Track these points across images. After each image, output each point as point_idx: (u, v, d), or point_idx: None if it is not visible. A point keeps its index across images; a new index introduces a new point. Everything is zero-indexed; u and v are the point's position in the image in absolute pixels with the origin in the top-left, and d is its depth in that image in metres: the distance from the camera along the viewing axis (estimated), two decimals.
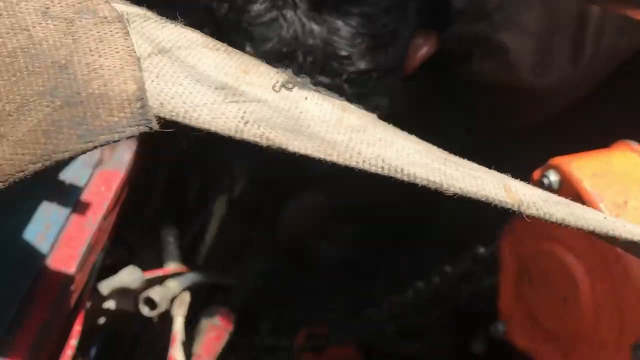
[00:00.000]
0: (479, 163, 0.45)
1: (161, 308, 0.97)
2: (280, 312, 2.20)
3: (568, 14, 0.91)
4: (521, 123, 1.09)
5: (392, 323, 1.64)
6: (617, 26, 0.92)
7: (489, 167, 0.47)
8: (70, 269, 0.86)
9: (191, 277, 1.06)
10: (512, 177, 0.48)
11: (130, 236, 1.16)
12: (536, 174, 0.82)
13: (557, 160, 0.80)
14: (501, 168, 0.46)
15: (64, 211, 0.89)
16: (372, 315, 1.47)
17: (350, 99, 0.82)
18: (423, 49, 0.94)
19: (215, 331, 1.15)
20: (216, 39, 0.72)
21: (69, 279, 0.85)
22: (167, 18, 0.65)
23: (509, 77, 0.93)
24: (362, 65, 0.84)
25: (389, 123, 0.61)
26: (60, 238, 0.88)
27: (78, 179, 0.93)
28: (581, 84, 0.98)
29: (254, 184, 1.65)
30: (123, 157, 0.97)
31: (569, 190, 0.78)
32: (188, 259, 1.16)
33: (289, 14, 0.79)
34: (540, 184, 0.80)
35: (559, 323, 0.83)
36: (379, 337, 1.88)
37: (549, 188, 0.80)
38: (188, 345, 1.16)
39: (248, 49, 0.78)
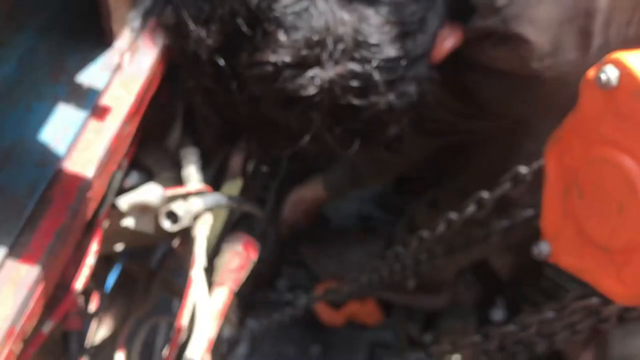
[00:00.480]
0: None
1: (183, 223, 0.92)
2: (296, 270, 2.18)
3: (576, 5, 0.94)
4: (529, 112, 1.15)
5: (414, 275, 1.59)
6: (625, 16, 0.98)
7: None
8: (88, 173, 0.81)
9: (215, 198, 1.01)
10: None
11: (149, 161, 1.11)
12: (592, 71, 0.76)
13: (616, 55, 0.74)
14: None
15: (81, 114, 0.85)
16: (393, 265, 1.42)
17: (379, 86, 0.84)
18: (450, 40, 0.98)
19: (239, 259, 1.10)
20: (248, 26, 0.79)
21: (86, 184, 0.81)
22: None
23: (520, 64, 0.97)
24: (391, 52, 0.85)
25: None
26: (78, 141, 0.83)
27: (96, 82, 0.87)
28: None
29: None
30: (143, 63, 0.92)
31: (628, 84, 0.72)
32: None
33: (320, 3, 0.80)
34: (598, 81, 0.74)
35: (613, 235, 0.77)
36: (398, 291, 1.84)
37: (607, 84, 0.74)
38: (209, 273, 1.12)
39: (281, 37, 0.79)
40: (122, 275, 1.31)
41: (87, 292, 1.15)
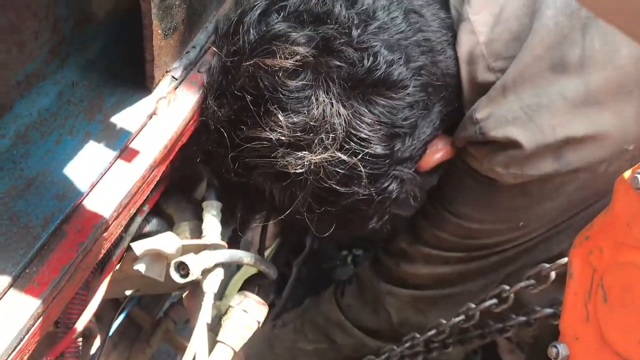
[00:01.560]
0: None
1: (192, 276, 0.90)
2: None
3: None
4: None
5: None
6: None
7: None
8: (106, 213, 0.81)
9: (230, 254, 0.99)
10: None
11: (171, 209, 1.11)
12: (628, 173, 0.74)
13: None
14: None
15: (110, 153, 0.85)
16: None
17: (362, 178, 0.91)
18: (440, 153, 1.07)
19: (246, 320, 1.07)
20: (253, 104, 0.88)
21: (102, 223, 0.80)
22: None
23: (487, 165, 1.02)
24: (378, 149, 0.91)
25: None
26: (102, 180, 0.83)
27: (130, 124, 0.88)
28: None
29: None
30: (178, 113, 0.92)
31: None
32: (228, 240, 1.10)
33: (322, 94, 0.88)
34: (633, 182, 0.72)
35: (638, 347, 0.73)
36: None
37: None
38: (213, 329, 1.09)
39: (280, 117, 0.87)
40: (127, 321, 1.29)
41: (88, 334, 1.13)
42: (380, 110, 0.90)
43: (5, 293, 0.72)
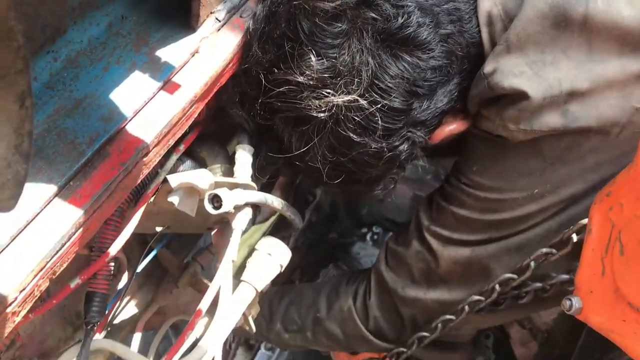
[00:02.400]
0: None
1: (224, 209, 0.94)
2: None
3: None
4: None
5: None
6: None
7: None
8: (147, 138, 0.85)
9: (260, 196, 1.03)
10: None
11: (205, 153, 1.15)
12: None
13: None
14: None
15: (154, 84, 0.89)
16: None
17: (377, 130, 0.96)
18: (452, 125, 1.09)
19: (269, 263, 1.11)
20: (291, 45, 0.94)
21: (144, 147, 0.84)
22: None
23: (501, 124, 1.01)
24: (396, 103, 0.97)
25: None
26: (145, 108, 0.88)
27: (174, 59, 0.92)
28: None
29: None
30: (219, 54, 0.96)
31: None
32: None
33: (354, 43, 0.94)
34: None
35: None
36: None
37: None
38: (238, 271, 1.13)
39: (313, 60, 0.93)
40: (154, 262, 1.33)
41: (116, 270, 1.18)
42: (404, 65, 0.95)
43: (50, 201, 0.77)
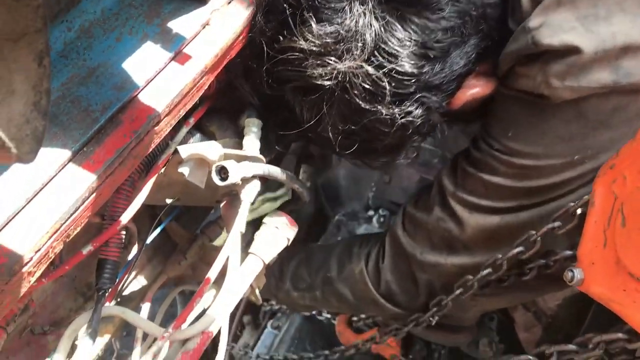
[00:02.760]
0: None
1: (231, 180, 0.96)
2: None
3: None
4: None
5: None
6: None
7: None
8: (159, 107, 0.87)
9: (267, 168, 1.05)
10: None
11: (214, 127, 1.17)
12: None
13: None
14: None
15: (165, 55, 0.90)
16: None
17: (387, 96, 0.93)
18: (475, 89, 1.04)
19: (277, 236, 1.13)
20: (293, 13, 0.92)
21: (155, 116, 0.86)
22: None
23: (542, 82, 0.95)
24: (405, 66, 0.93)
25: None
26: (157, 77, 0.89)
27: (185, 31, 0.93)
28: None
29: None
30: (229, 27, 0.97)
31: None
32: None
33: (357, 6, 0.90)
34: None
35: None
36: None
37: None
38: (246, 240, 1.15)
39: (314, 26, 0.91)
40: (163, 236, 1.36)
41: (127, 242, 1.20)
42: (413, 27, 0.92)
43: (64, 166, 0.79)
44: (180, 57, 0.92)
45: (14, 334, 1.06)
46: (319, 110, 0.98)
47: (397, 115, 0.96)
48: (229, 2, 0.99)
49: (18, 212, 0.74)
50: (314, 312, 2.00)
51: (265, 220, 1.14)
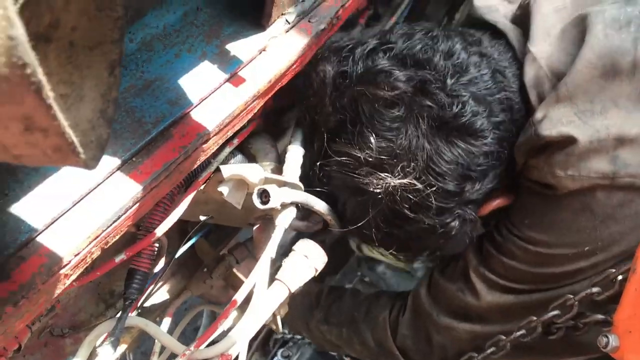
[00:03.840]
0: None
1: (271, 205, 0.96)
2: None
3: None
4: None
5: None
6: None
7: None
8: (209, 126, 0.88)
9: (306, 196, 1.05)
10: None
11: (255, 149, 1.17)
12: None
13: None
14: None
15: (221, 75, 0.92)
16: None
17: (431, 209, 1.01)
18: (497, 200, 1.12)
19: (305, 265, 1.13)
20: (352, 121, 1.01)
21: (205, 134, 0.87)
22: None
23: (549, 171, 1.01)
24: (450, 186, 1.01)
25: None
26: (210, 97, 0.90)
27: (242, 54, 0.95)
28: None
29: None
30: (284, 55, 0.99)
31: None
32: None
33: (411, 128, 0.99)
34: None
35: None
36: None
37: None
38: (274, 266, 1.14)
39: (372, 140, 0.99)
40: (189, 252, 1.36)
41: (156, 254, 1.20)
42: (459, 152, 1.00)
43: (112, 174, 0.80)
44: (235, 79, 0.93)
45: (34, 334, 1.06)
46: (364, 210, 1.05)
47: (437, 225, 1.05)
48: (287, 31, 1.01)
49: (63, 214, 0.75)
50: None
51: (295, 247, 1.14)
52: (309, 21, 1.04)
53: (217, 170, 1.01)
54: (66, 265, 0.73)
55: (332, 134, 1.04)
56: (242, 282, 1.28)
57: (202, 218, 1.16)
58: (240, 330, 1.02)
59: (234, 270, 1.28)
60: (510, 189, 1.12)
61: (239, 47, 0.96)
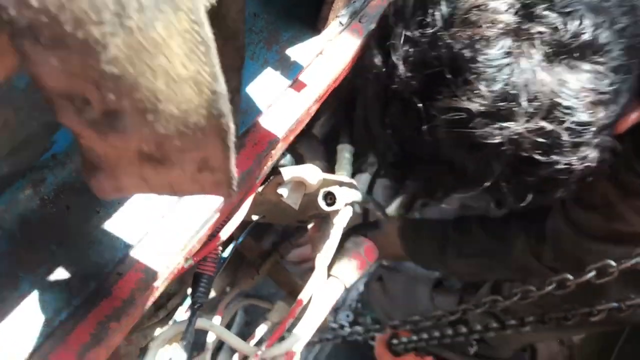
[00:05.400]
0: None
1: (338, 206, 0.98)
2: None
3: None
4: None
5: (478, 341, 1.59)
6: None
7: None
8: (279, 132, 0.89)
9: (365, 197, 1.07)
10: None
11: (303, 149, 1.19)
12: None
13: None
14: None
15: (284, 82, 0.93)
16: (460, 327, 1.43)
17: (565, 147, 0.88)
18: (634, 114, 0.99)
19: (359, 260, 1.15)
20: (451, 73, 0.85)
21: (275, 141, 0.88)
22: None
23: None
24: (583, 117, 0.88)
25: None
26: (276, 103, 0.92)
27: (301, 59, 0.96)
28: None
29: None
30: (340, 56, 1.00)
31: None
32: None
33: (523, 62, 0.85)
34: None
35: None
36: (458, 353, 1.84)
37: None
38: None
39: (480, 87, 0.84)
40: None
41: None
42: (585, 76, 0.87)
43: None
44: (296, 84, 0.95)
45: None
46: (488, 164, 0.92)
47: (574, 162, 0.93)
48: (340, 33, 1.02)
49: (153, 229, 0.76)
50: (348, 332, 2.01)
51: (347, 243, 1.16)
52: (360, 21, 1.06)
53: (277, 172, 1.03)
54: (160, 278, 0.75)
55: (427, 94, 0.89)
56: (287, 277, 1.31)
57: (254, 218, 1.18)
58: (303, 328, 1.05)
59: (280, 266, 1.31)
60: None
61: (297, 52, 0.97)
